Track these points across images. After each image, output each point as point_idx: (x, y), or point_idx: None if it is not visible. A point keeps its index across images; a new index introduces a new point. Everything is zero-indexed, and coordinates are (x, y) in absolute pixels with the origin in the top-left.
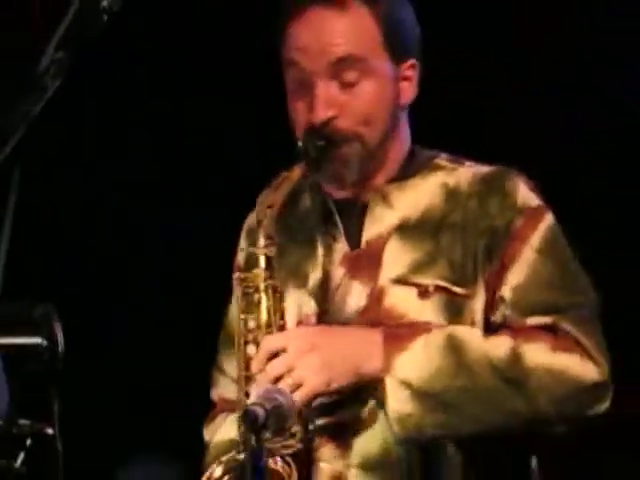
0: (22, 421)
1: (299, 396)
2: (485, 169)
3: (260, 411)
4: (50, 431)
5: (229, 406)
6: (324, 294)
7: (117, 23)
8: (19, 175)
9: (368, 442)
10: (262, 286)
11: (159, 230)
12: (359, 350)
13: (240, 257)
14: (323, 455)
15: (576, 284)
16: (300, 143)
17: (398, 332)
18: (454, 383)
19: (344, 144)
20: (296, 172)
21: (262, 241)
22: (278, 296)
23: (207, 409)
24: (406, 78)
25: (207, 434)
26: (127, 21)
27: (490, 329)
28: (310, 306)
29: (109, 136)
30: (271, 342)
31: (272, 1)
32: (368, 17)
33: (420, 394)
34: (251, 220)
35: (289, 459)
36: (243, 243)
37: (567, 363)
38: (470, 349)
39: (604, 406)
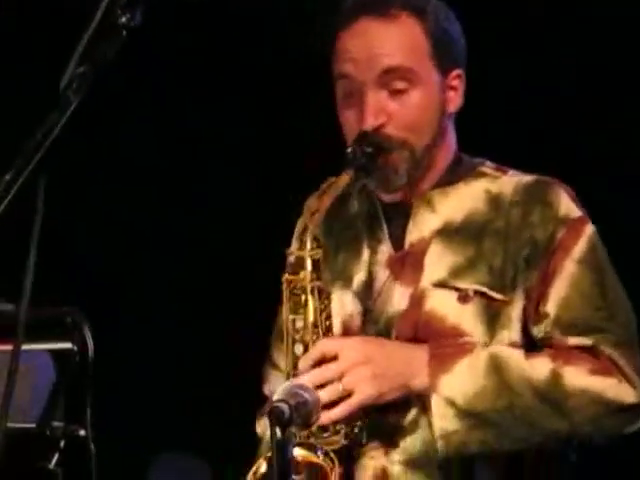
0: (56, 423)
1: (347, 404)
2: (528, 178)
3: (285, 407)
4: (83, 433)
5: None
6: (368, 295)
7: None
8: (44, 188)
9: (412, 440)
10: (309, 288)
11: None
12: (408, 366)
13: (290, 259)
14: (367, 451)
15: (616, 302)
16: (349, 150)
17: (443, 352)
18: (497, 403)
19: (392, 151)
20: (344, 178)
21: (309, 244)
22: (324, 297)
23: (237, 408)
24: (452, 88)
25: (260, 428)
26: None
27: (529, 341)
28: (354, 306)
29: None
30: (326, 345)
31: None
32: (416, 28)
33: (464, 413)
34: (300, 225)
35: (332, 455)
36: (293, 247)
37: (604, 386)
38: (512, 370)
39: (637, 424)
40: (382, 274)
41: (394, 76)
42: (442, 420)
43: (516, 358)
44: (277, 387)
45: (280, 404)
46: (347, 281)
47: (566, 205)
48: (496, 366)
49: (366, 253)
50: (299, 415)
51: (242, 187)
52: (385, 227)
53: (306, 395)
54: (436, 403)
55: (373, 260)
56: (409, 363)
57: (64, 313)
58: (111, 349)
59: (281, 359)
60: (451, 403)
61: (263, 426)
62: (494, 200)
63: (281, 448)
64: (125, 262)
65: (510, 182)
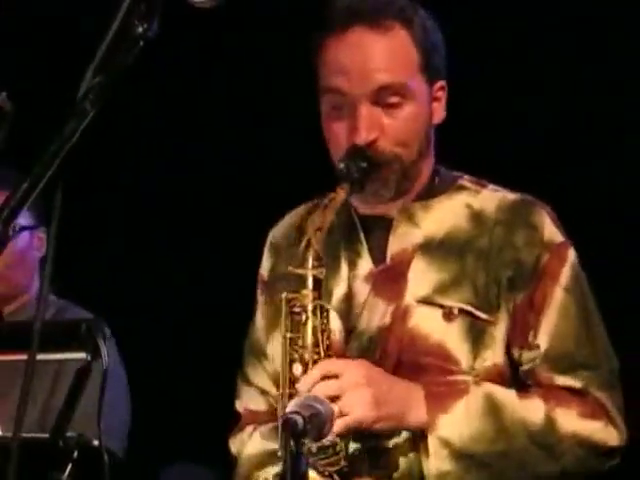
0: (69, 434)
1: (343, 423)
2: (511, 197)
3: (299, 419)
4: (96, 443)
5: (255, 417)
6: (348, 310)
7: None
8: (61, 196)
9: (398, 463)
10: (310, 307)
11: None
12: (406, 398)
13: (264, 271)
14: (357, 470)
15: (599, 334)
16: (342, 164)
17: (438, 391)
18: (492, 447)
19: (384, 166)
20: (341, 194)
21: (311, 262)
22: (325, 316)
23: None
24: (437, 99)
25: (234, 446)
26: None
27: (510, 362)
28: (335, 322)
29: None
30: (328, 366)
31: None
32: (408, 40)
33: (460, 454)
34: (274, 236)
35: (336, 477)
36: (266, 260)
37: (592, 430)
38: (507, 412)
39: (616, 461)
40: (362, 289)
41: (388, 92)
42: (437, 460)
43: (511, 399)
44: (250, 403)
45: (294, 415)
46: (327, 296)
47: (549, 229)
48: (493, 408)
49: (345, 267)
50: (313, 427)
51: (243, 191)
52: (364, 240)
53: (320, 407)
54: (432, 442)
55: (352, 275)
56: (407, 396)
57: (79, 323)
58: (123, 359)
59: (255, 375)
60: (447, 444)
61: (238, 444)
62: (476, 217)
63: (295, 460)
64: (136, 276)
65: (492, 198)
